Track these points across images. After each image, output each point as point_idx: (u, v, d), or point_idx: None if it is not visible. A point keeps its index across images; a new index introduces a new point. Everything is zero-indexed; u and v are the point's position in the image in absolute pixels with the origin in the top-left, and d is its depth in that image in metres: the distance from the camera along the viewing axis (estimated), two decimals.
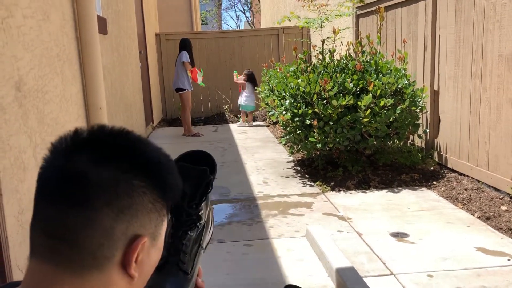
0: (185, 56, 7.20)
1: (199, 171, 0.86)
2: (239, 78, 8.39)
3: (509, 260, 2.76)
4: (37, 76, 2.36)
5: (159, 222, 0.64)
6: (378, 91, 4.28)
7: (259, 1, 20.19)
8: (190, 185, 0.86)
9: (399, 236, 3.20)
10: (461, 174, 4.34)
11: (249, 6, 28.63)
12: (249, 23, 28.51)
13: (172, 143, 7.02)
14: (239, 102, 8.47)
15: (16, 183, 2.02)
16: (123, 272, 0.60)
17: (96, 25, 3.30)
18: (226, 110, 9.57)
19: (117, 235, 0.58)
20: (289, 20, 5.28)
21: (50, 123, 2.52)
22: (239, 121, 8.84)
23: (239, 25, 34.35)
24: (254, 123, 8.59)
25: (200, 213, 0.88)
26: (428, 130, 4.92)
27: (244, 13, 29.13)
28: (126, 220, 0.59)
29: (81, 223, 0.57)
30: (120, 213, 0.58)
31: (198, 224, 0.88)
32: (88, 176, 0.57)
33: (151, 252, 0.64)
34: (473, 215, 3.50)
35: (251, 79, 8.36)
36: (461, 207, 3.68)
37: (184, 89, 7.28)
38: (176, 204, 0.85)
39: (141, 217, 0.61)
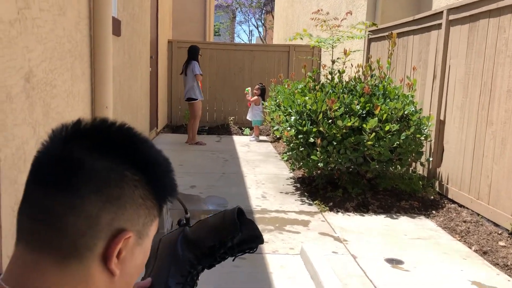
0: (197, 68, 7.24)
1: (258, 234, 0.93)
2: (252, 96, 8.36)
3: None
4: (47, 69, 2.37)
5: (148, 221, 0.63)
6: (384, 116, 4.28)
7: (273, 18, 20.39)
8: (244, 236, 0.92)
9: (394, 262, 3.16)
10: (461, 205, 4.31)
11: (262, 21, 28.90)
12: (261, 39, 28.74)
13: (174, 150, 7.02)
14: (254, 118, 8.36)
15: (15, 173, 2.02)
16: (103, 266, 0.59)
17: (110, 26, 3.32)
18: (231, 122, 9.58)
19: (101, 225, 0.57)
20: (301, 38, 5.31)
21: (56, 117, 2.52)
22: (248, 134, 8.83)
23: (251, 39, 34.62)
24: (259, 138, 8.58)
25: (226, 259, 0.94)
26: (431, 159, 4.90)
27: (257, 28, 29.38)
28: (113, 211, 0.58)
29: (66, 208, 0.56)
30: (107, 202, 0.58)
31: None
32: (81, 163, 0.57)
33: (135, 252, 0.63)
34: (470, 248, 3.46)
35: (263, 93, 8.38)
36: (458, 239, 3.64)
37: (196, 99, 7.34)
38: (220, 243, 0.90)
39: (129, 211, 0.60)
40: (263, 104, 7.97)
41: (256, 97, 8.28)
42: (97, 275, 0.58)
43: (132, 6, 5.29)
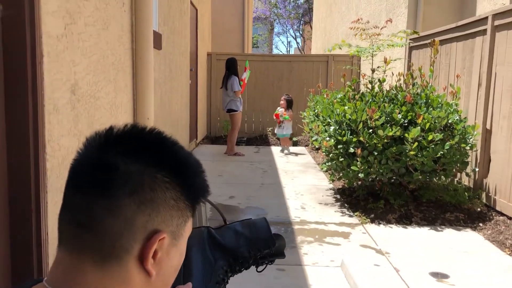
0: (236, 84, 7.26)
1: (283, 252, 1.02)
2: (281, 111, 8.06)
3: None
4: (91, 82, 2.45)
5: (181, 222, 0.64)
6: (427, 125, 4.16)
7: (311, 28, 20.36)
8: (274, 251, 0.98)
9: (439, 276, 3.04)
10: (510, 218, 4.12)
11: (301, 32, 28.92)
12: (299, 49, 28.75)
13: (213, 161, 7.08)
14: (287, 132, 8.04)
15: (62, 182, 2.08)
16: (140, 267, 0.60)
17: (151, 40, 3.40)
18: (269, 133, 9.59)
19: (137, 227, 0.59)
20: (340, 48, 5.27)
21: (99, 128, 2.58)
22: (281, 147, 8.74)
23: (289, 50, 34.69)
24: (297, 148, 8.49)
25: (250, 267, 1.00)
26: (477, 169, 4.72)
27: (295, 39, 29.42)
28: (147, 213, 0.60)
29: (104, 211, 0.58)
30: (142, 204, 0.59)
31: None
32: (116, 167, 0.59)
33: (171, 252, 0.64)
34: None
35: (290, 105, 8.20)
36: (508, 252, 3.47)
37: (237, 110, 7.40)
38: (254, 254, 0.95)
39: (162, 212, 0.61)
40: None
41: (289, 113, 8.06)
42: (135, 275, 0.60)
43: (173, 21, 5.41)
